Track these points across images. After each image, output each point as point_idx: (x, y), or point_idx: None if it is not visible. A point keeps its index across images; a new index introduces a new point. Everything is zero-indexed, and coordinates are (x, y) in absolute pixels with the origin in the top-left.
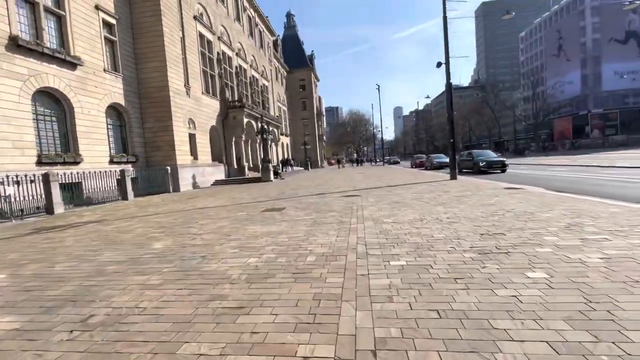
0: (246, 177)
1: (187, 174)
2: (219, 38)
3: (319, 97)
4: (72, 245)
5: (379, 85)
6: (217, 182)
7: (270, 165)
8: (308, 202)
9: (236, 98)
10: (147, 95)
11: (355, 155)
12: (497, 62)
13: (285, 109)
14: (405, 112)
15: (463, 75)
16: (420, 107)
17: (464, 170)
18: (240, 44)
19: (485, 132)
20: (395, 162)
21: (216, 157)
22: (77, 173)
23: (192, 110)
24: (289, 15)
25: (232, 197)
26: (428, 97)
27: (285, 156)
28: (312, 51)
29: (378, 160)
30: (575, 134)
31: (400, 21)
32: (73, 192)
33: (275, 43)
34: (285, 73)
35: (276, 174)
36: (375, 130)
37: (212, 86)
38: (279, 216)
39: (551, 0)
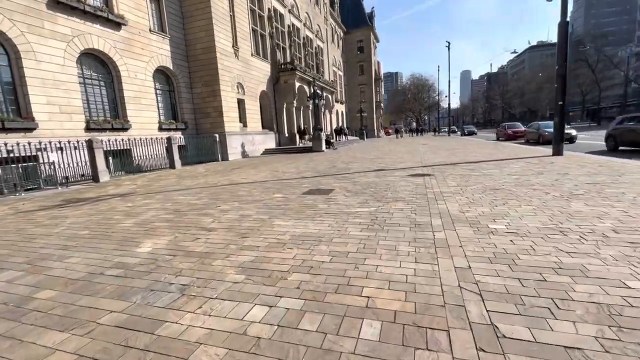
0: (296, 146)
1: (236, 142)
2: None
3: (378, 62)
4: (49, 235)
5: (449, 43)
6: (267, 151)
7: (322, 134)
8: (364, 182)
9: (288, 60)
10: (194, 57)
11: (414, 124)
12: (599, 10)
13: (342, 73)
14: (474, 77)
15: (552, 29)
16: (494, 70)
17: (500, 139)
18: (294, 0)
19: (578, 98)
20: (471, 133)
21: (267, 125)
22: (126, 140)
23: (241, 74)
24: None
25: (275, 170)
26: (515, 51)
27: (340, 124)
28: (373, 8)
29: (443, 129)
30: None
31: None
32: (123, 159)
33: (332, 1)
34: (342, 34)
35: (328, 143)
36: (439, 97)
37: (263, 47)
38: (323, 204)
39: None
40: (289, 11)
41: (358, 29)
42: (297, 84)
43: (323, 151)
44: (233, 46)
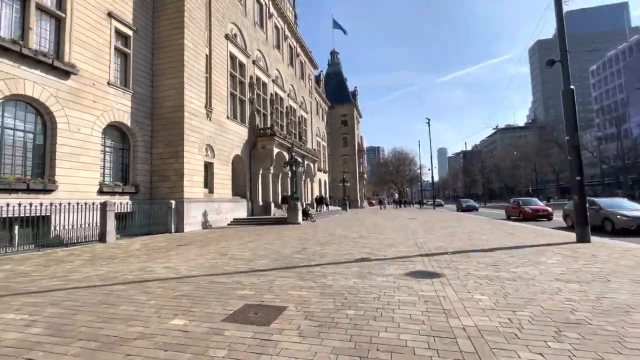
0: (270, 217)
1: (197, 210)
2: (254, 62)
3: (361, 137)
4: None
5: (429, 119)
6: (235, 222)
7: (298, 203)
8: (339, 288)
9: (268, 126)
10: (160, 115)
11: (397, 195)
12: (557, 101)
13: (325, 144)
14: (449, 154)
15: (517, 115)
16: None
17: (512, 218)
18: (279, 72)
19: (551, 176)
20: (471, 209)
21: (239, 191)
22: (47, 205)
23: (213, 136)
24: (333, 53)
25: (222, 254)
26: (496, 127)
27: (321, 194)
28: (355, 87)
29: (427, 201)
30: None
31: (442, 66)
32: (36, 229)
33: (318, 78)
34: (326, 108)
35: (306, 214)
36: (421, 170)
37: (242, 112)
38: None
39: (628, 31)
40: (273, 81)
41: (342, 104)
42: (276, 150)
43: (299, 223)
44: (206, 107)
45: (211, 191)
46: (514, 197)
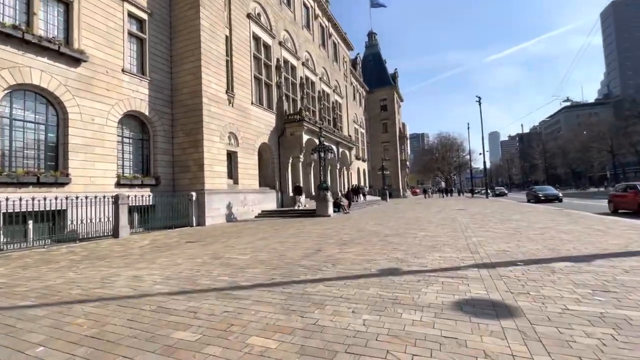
0: (298, 209)
1: (220, 202)
2: (280, 43)
3: (403, 123)
4: None
5: (479, 97)
6: (263, 214)
7: (328, 194)
8: (335, 334)
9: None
10: (180, 102)
11: (443, 184)
12: (637, 72)
13: (364, 131)
14: (503, 137)
15: (586, 89)
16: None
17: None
18: (309, 54)
19: (632, 158)
20: (502, 194)
21: (268, 182)
22: (62, 198)
23: (236, 123)
24: (370, 34)
25: (216, 257)
26: (567, 99)
27: (357, 183)
28: (396, 69)
29: (479, 189)
30: None
31: (492, 44)
32: (52, 224)
33: (355, 61)
34: (364, 93)
35: (338, 205)
36: (470, 155)
37: (268, 97)
38: None
39: None
40: (303, 64)
41: (381, 88)
42: (306, 137)
43: (329, 216)
44: (227, 92)
45: (236, 182)
46: (583, 182)
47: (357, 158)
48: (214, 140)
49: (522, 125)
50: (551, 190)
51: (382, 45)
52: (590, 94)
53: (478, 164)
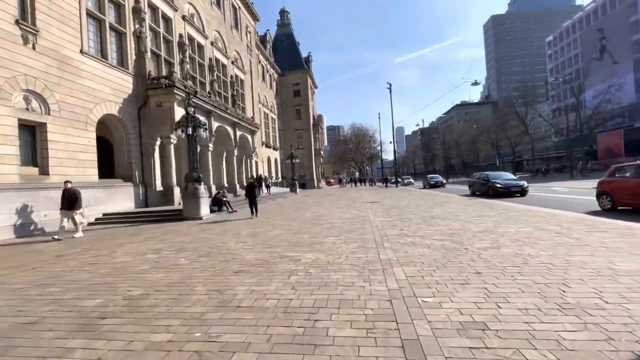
0: (166, 209)
1: (1, 204)
2: None
3: (320, 115)
4: None
5: (390, 85)
6: (105, 218)
7: (201, 188)
8: None
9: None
10: None
11: (357, 174)
12: (510, 76)
13: (275, 117)
14: (407, 132)
15: (472, 92)
16: (425, 125)
17: (476, 194)
18: (193, 6)
19: (508, 149)
20: (438, 185)
21: (121, 172)
22: None
23: (45, 78)
24: (282, 12)
25: None
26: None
27: (273, 173)
28: (309, 53)
29: (390, 179)
30: (629, 151)
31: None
32: None
33: (264, 38)
34: (276, 76)
35: (218, 203)
36: (382, 146)
37: (121, 50)
38: None
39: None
40: (183, 17)
41: (294, 71)
42: (179, 109)
43: (201, 218)
44: (19, 23)
45: (44, 172)
46: (474, 172)
47: (268, 146)
48: None
49: (422, 120)
50: (439, 178)
51: (296, 30)
52: (476, 95)
53: (388, 155)
